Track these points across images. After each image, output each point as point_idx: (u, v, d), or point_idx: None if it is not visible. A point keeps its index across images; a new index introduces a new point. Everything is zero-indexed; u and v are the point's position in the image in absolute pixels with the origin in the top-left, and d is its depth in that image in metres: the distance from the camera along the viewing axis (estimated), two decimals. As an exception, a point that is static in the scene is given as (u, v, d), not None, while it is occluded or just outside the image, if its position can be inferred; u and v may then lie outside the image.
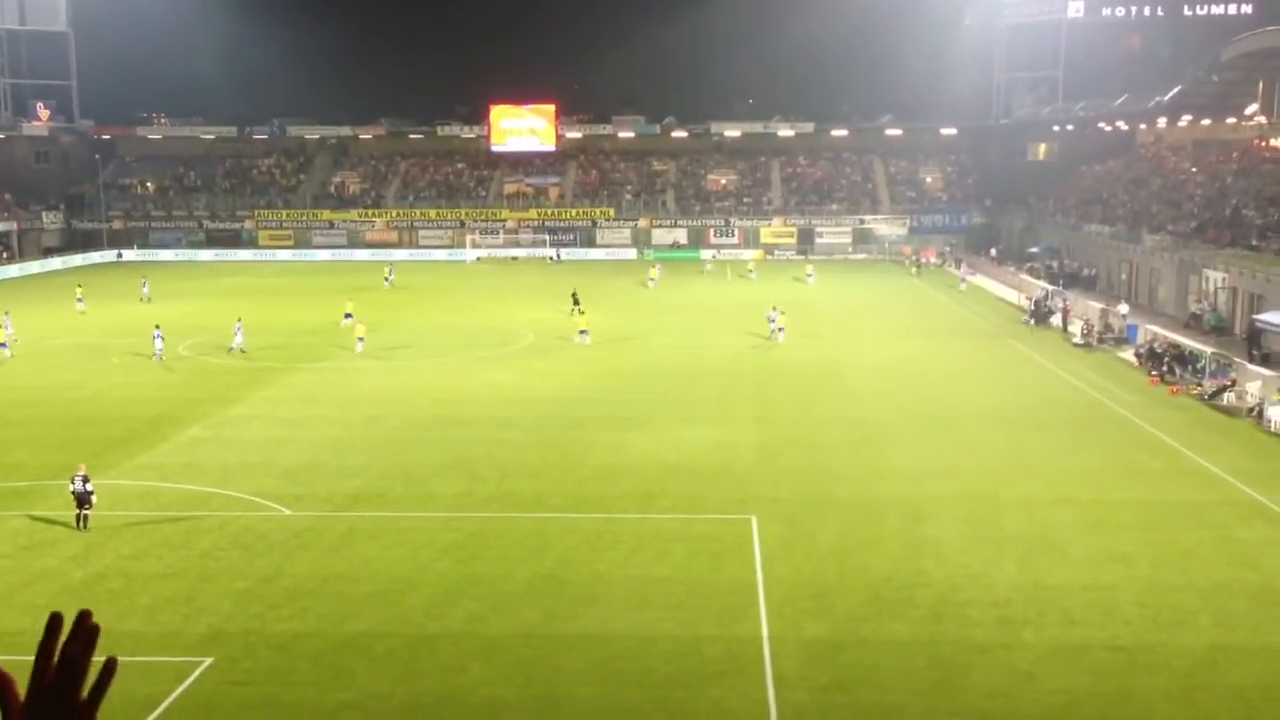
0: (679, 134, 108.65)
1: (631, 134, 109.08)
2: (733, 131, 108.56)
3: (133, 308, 63.09)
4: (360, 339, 48.02)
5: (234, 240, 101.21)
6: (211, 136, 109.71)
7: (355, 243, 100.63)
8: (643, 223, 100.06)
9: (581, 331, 49.97)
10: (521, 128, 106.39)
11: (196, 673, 18.05)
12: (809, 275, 77.14)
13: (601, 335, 50.34)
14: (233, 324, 48.74)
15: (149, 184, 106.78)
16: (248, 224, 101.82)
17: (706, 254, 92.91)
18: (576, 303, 57.60)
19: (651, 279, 75.42)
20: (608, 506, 26.59)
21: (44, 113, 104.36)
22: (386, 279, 74.67)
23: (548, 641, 19.25)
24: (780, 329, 50.28)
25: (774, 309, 51.59)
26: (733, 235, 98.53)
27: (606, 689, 17.68)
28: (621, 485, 28.25)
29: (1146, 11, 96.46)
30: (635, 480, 28.63)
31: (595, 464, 30.34)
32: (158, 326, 47.45)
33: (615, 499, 27.17)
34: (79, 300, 61.91)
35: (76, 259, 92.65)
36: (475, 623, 20.05)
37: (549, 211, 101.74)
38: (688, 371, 43.52)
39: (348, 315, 52.43)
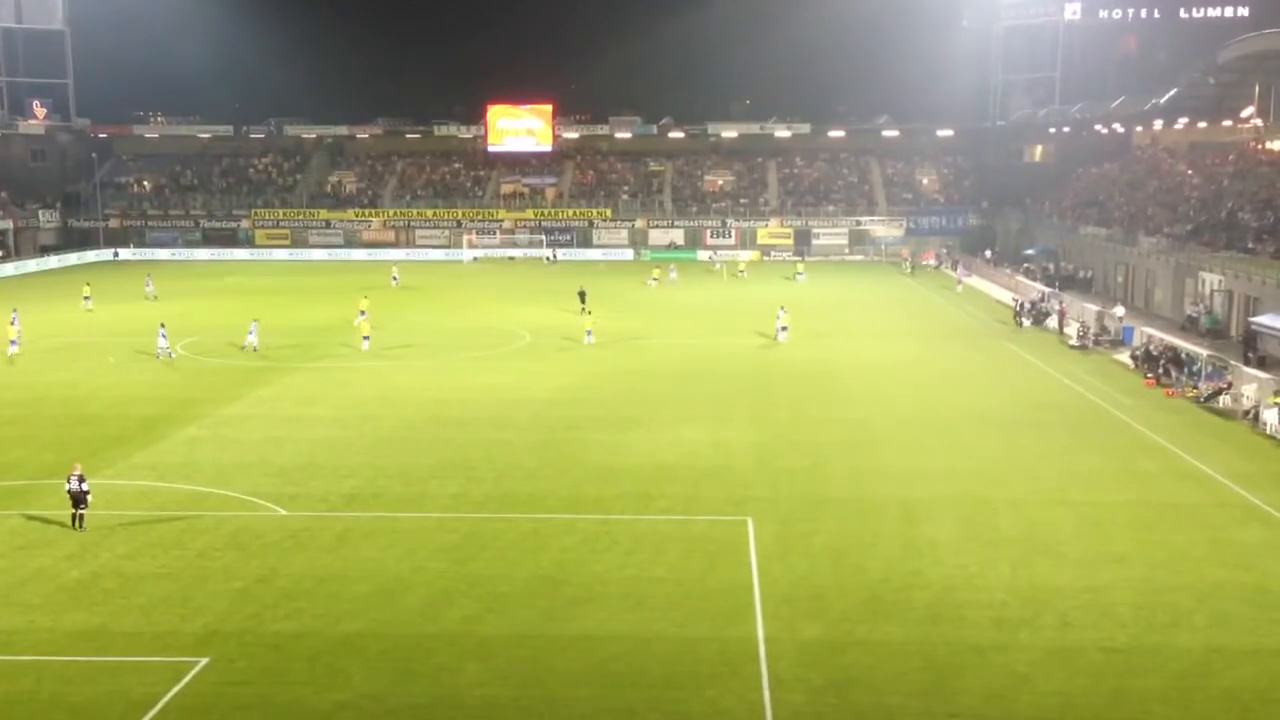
0: (676, 135, 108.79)
1: (628, 135, 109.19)
2: (729, 132, 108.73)
3: (136, 306, 63.21)
4: (365, 338, 48.23)
5: (230, 239, 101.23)
6: (208, 135, 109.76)
7: (352, 242, 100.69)
8: (640, 223, 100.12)
9: (588, 331, 50.11)
10: (518, 128, 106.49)
11: (192, 673, 18.02)
12: (799, 275, 77.61)
13: (599, 336, 50.36)
14: (242, 323, 48.96)
15: (145, 183, 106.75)
16: (244, 223, 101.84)
17: (704, 254, 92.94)
18: (584, 302, 58.08)
19: (654, 278, 75.91)
20: (604, 507, 26.60)
21: (40, 111, 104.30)
22: (394, 279, 74.93)
23: (544, 642, 19.24)
24: (784, 328, 50.49)
25: (782, 309, 51.81)
26: (729, 236, 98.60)
27: (602, 690, 17.67)
28: (618, 486, 28.26)
29: (1143, 14, 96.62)
30: (632, 481, 28.64)
31: (592, 465, 30.35)
32: (163, 325, 47.65)
33: (612, 500, 27.18)
34: (86, 299, 62.11)
35: (72, 258, 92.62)
36: (471, 623, 20.04)
37: (546, 212, 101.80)
38: (685, 372, 43.55)
39: (363, 313, 52.86)
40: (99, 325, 56.29)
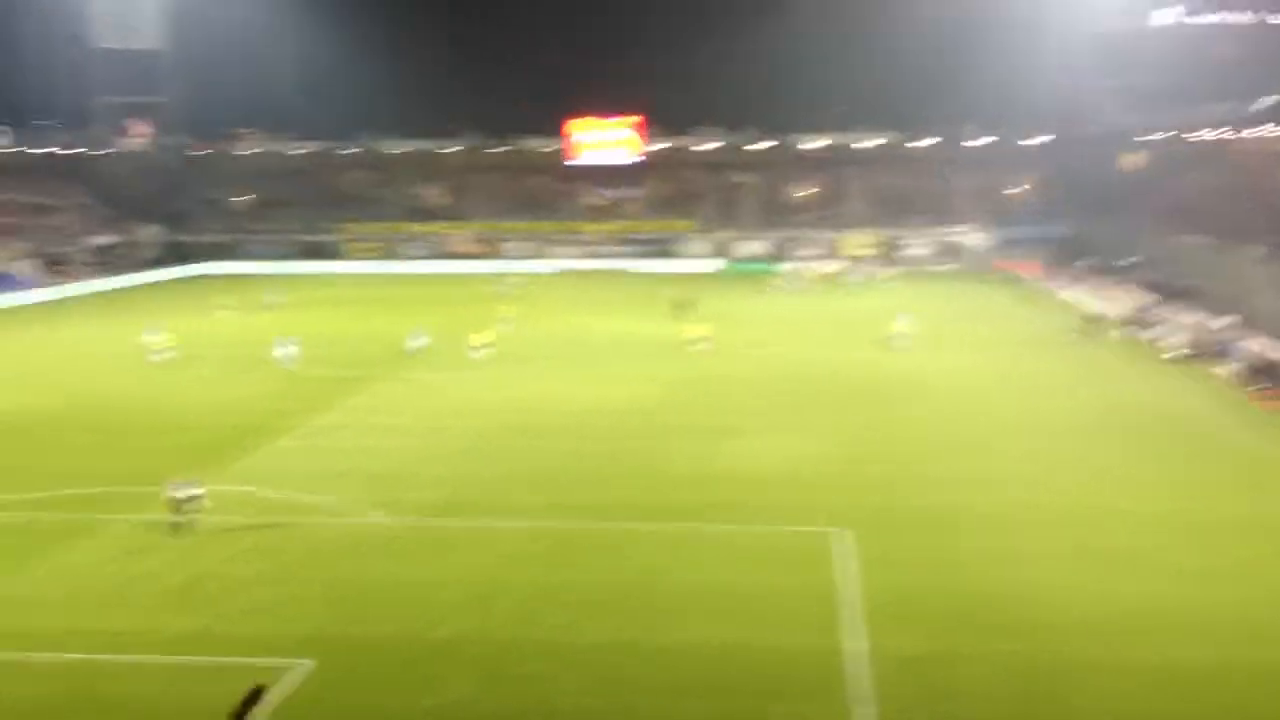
0: (759, 146, 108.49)
1: (711, 146, 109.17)
2: (813, 143, 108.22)
3: (250, 317, 64.99)
4: (480, 346, 49.13)
5: (323, 253, 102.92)
6: (301, 151, 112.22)
7: (440, 254, 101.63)
8: (723, 235, 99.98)
9: (697, 340, 50.19)
10: (602, 140, 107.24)
11: (291, 676, 18.42)
12: (870, 280, 77.99)
13: (701, 344, 50.42)
14: (333, 334, 50.16)
15: (242, 198, 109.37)
16: (336, 237, 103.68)
17: (789, 265, 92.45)
18: (687, 312, 58.03)
19: (778, 285, 77.24)
20: (693, 516, 26.54)
21: (142, 129, 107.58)
22: (508, 289, 75.77)
23: (634, 652, 19.29)
24: (902, 335, 50.64)
25: (902, 315, 51.68)
26: (814, 247, 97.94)
27: (691, 701, 17.68)
28: (707, 495, 28.24)
29: (1236, 19, 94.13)
30: (721, 490, 28.61)
31: (681, 474, 30.34)
32: (283, 335, 49.14)
33: (700, 509, 27.12)
34: (225, 309, 64.17)
35: (174, 272, 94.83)
36: (562, 631, 20.18)
37: (629, 224, 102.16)
38: (775, 380, 43.36)
39: (504, 321, 53.58)
40: (213, 336, 57.57)
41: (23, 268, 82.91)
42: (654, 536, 25.20)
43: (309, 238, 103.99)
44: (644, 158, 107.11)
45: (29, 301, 75.41)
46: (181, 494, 25.74)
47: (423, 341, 50.56)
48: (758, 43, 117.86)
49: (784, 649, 19.29)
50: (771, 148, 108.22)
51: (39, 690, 18.29)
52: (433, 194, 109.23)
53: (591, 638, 19.89)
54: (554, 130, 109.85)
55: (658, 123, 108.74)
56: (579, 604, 21.36)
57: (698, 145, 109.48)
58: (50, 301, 76.37)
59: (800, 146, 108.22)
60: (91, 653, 19.49)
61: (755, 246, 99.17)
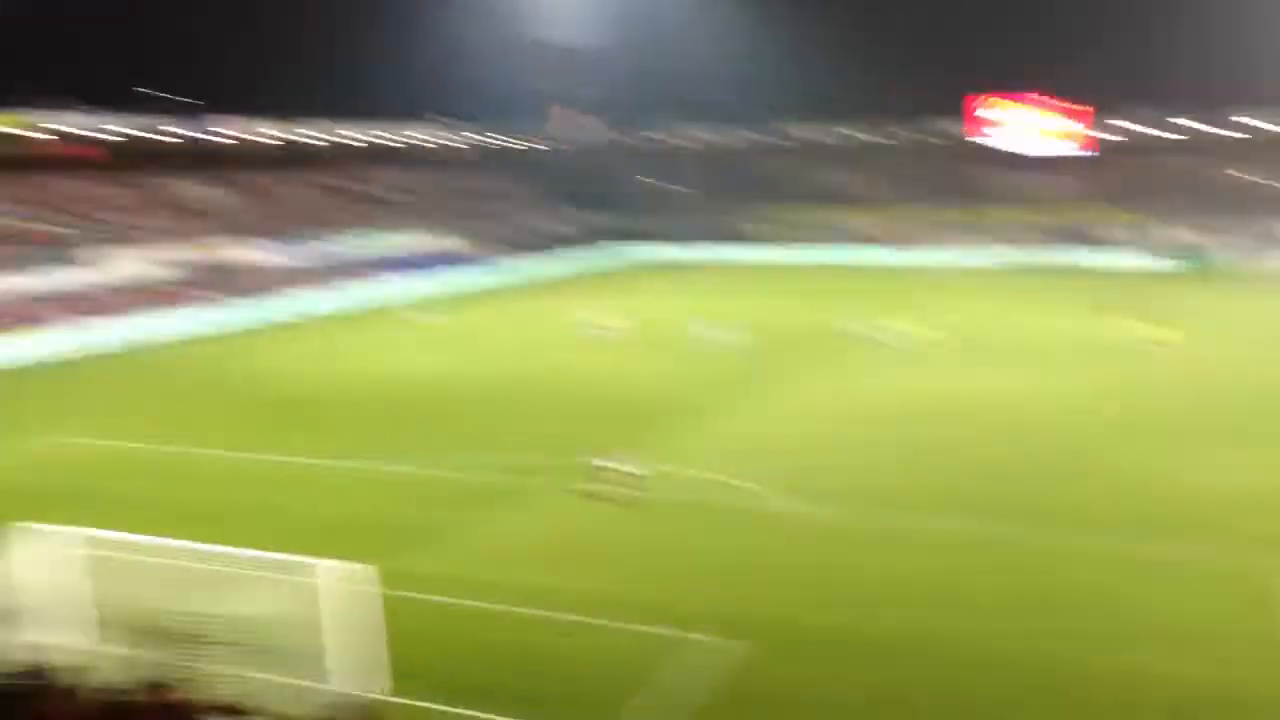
0: (1196, 125, 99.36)
1: (1139, 128, 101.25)
2: (1261, 121, 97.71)
3: (684, 300, 68.24)
4: (907, 337, 49.12)
5: (743, 237, 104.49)
6: (726, 139, 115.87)
7: (858, 240, 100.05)
8: (1164, 226, 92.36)
9: (1143, 339, 46.93)
10: (1022, 123, 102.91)
11: (727, 655, 19.13)
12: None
13: (1134, 343, 47.06)
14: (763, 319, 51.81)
15: (667, 185, 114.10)
16: (753, 225, 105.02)
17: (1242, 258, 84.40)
18: (1127, 309, 53.50)
19: (1231, 282, 72.04)
20: (1147, 533, 24.80)
21: (580, 121, 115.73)
22: (936, 279, 75.21)
23: (1083, 672, 18.56)
24: None
25: None
26: (1266, 242, 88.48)
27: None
28: (1164, 510, 26.34)
29: None
30: (1180, 506, 26.53)
31: (1129, 484, 28.47)
32: (709, 319, 51.75)
33: (1156, 526, 25.31)
34: (652, 292, 70.05)
35: (607, 254, 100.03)
36: (1005, 638, 19.78)
37: (1056, 213, 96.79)
38: (1244, 387, 39.49)
39: (933, 313, 54.76)
40: (646, 317, 58.89)
41: (474, 250, 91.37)
42: (1095, 551, 23.87)
43: (732, 222, 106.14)
44: (1071, 142, 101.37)
45: (479, 282, 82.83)
46: (616, 467, 27.52)
47: (870, 331, 50.46)
48: (1193, 9, 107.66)
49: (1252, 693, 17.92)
50: (1211, 127, 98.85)
51: (473, 627, 20.47)
52: (850, 180, 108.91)
53: (1036, 645, 19.40)
54: (971, 112, 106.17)
55: (1093, 106, 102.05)
56: (1021, 610, 20.88)
57: (1132, 126, 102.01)
58: (497, 283, 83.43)
59: (1248, 123, 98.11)
60: (522, 606, 21.29)
61: (1200, 239, 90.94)
